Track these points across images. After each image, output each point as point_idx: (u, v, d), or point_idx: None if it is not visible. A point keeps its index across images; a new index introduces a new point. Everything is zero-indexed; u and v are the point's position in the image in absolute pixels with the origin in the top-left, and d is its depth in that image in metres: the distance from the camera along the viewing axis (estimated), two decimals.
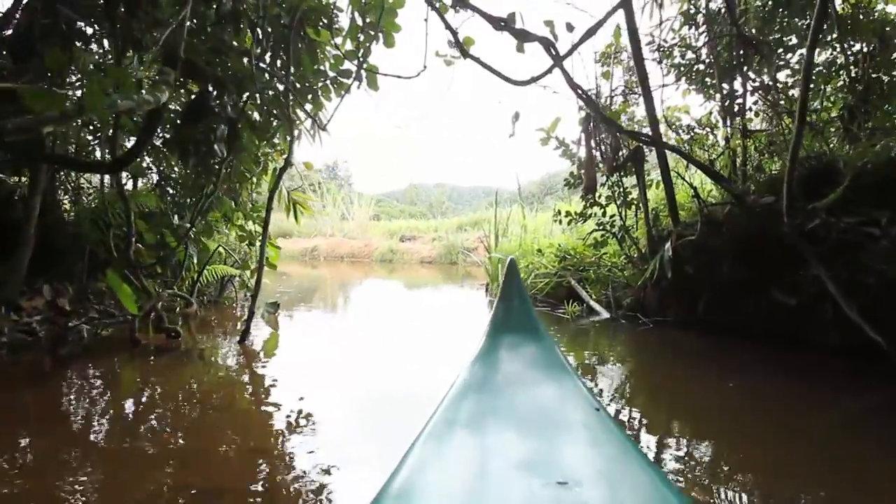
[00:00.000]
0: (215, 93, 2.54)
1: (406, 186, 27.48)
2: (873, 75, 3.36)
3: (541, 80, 2.75)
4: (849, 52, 3.45)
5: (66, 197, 4.29)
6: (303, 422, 1.88)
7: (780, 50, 3.54)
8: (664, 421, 2.13)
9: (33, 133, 1.85)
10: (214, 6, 2.65)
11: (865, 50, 3.39)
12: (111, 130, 2.72)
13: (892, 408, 2.28)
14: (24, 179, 3.66)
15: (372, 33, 3.03)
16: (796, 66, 3.65)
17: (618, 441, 1.17)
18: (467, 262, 10.24)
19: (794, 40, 3.54)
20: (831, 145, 3.39)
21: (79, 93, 2.82)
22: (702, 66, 3.96)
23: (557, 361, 1.79)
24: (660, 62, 4.13)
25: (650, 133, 3.42)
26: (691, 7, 3.96)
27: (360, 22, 3.09)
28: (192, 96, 2.60)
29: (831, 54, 3.63)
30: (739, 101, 3.71)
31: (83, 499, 1.31)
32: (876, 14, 3.38)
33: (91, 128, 3.71)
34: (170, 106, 2.85)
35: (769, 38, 3.31)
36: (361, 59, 3.21)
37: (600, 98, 4.04)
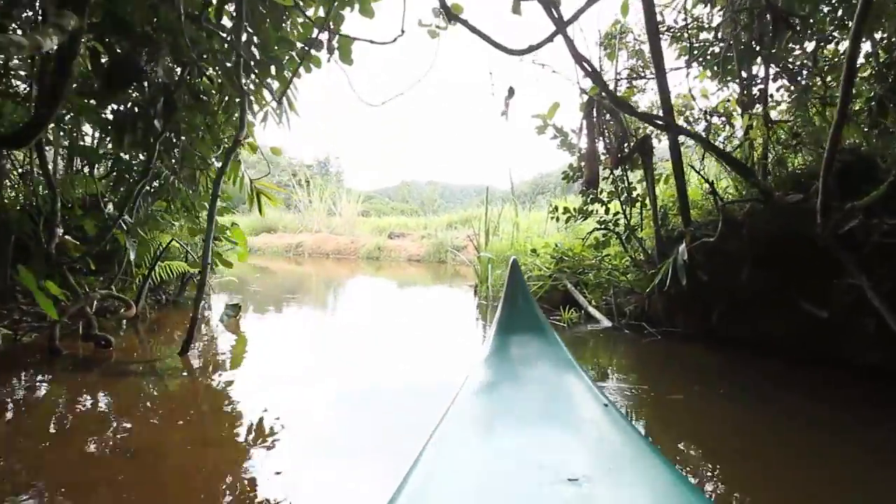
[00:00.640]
0: (146, 54, 2.08)
1: (398, 184, 27.10)
2: None
3: (540, 49, 2.33)
4: (877, 40, 3.06)
5: None
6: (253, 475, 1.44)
7: (810, 31, 3.14)
8: (668, 450, 1.72)
9: None
10: None
11: (895, 39, 3.01)
12: None
13: None
14: None
15: None
16: (825, 51, 3.25)
17: (629, 437, 1.17)
18: (456, 261, 9.83)
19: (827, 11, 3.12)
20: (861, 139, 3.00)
21: None
22: (717, 49, 3.55)
23: (565, 359, 1.80)
24: (670, 44, 3.73)
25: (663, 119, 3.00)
26: None
27: None
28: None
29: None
30: (761, 86, 3.30)
31: None
32: None
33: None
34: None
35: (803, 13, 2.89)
36: (333, 28, 2.77)
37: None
